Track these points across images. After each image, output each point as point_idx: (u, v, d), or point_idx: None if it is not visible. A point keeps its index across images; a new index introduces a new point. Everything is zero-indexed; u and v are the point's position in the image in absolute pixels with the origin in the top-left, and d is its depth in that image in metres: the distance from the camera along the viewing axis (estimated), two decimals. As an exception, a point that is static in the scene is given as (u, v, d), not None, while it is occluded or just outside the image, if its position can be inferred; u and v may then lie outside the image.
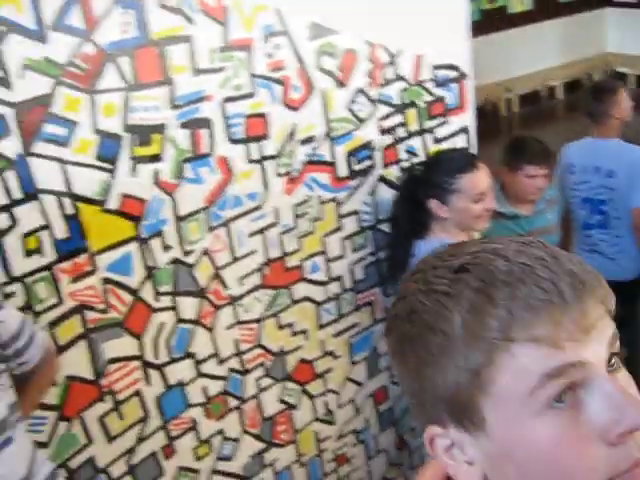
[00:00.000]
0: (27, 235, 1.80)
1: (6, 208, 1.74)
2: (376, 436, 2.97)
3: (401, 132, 2.58)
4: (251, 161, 2.21)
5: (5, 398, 1.59)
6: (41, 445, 1.91)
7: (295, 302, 2.49)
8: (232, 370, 2.40)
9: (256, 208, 2.27)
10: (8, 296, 1.78)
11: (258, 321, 2.41)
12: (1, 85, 1.68)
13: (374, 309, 2.74)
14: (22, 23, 1.69)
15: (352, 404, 2.85)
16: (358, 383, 2.83)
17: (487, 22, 8.28)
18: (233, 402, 2.45)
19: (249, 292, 2.35)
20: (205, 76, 2.04)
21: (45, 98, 1.76)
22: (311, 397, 2.69)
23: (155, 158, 2.00)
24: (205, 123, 2.08)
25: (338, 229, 2.53)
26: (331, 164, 2.43)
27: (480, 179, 2.36)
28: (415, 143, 2.63)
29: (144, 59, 1.91)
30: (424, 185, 2.42)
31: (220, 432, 2.45)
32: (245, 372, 2.44)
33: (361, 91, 2.42)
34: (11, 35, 1.68)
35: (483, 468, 0.71)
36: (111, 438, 2.13)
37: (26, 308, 1.82)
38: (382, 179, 2.58)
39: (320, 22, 2.26)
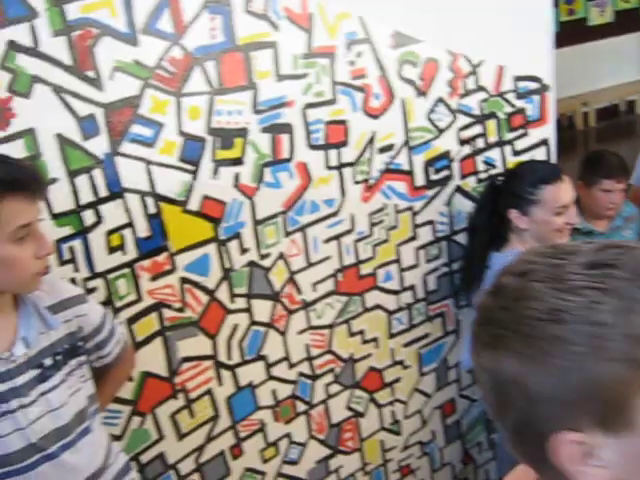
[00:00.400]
0: (111, 232, 1.84)
1: (92, 205, 1.79)
2: (442, 449, 2.94)
3: (480, 143, 2.55)
4: (329, 167, 2.22)
5: (85, 389, 1.63)
6: (115, 438, 1.95)
7: (367, 310, 2.49)
8: (302, 374, 2.41)
9: (332, 214, 2.28)
10: (90, 291, 1.82)
11: (329, 327, 2.42)
12: (93, 86, 1.73)
13: (445, 320, 2.72)
14: (115, 26, 1.74)
15: (419, 415, 2.83)
16: (426, 394, 2.81)
17: (566, 34, 8.10)
18: (301, 406, 2.46)
19: (322, 298, 2.36)
20: (288, 82, 2.06)
21: (133, 99, 1.80)
22: (378, 406, 2.68)
23: (236, 161, 2.02)
24: (286, 128, 2.09)
25: (413, 238, 2.52)
26: (408, 173, 2.42)
27: (563, 191, 2.32)
28: (494, 155, 2.60)
29: (229, 64, 1.94)
30: (505, 195, 2.39)
31: (287, 435, 2.46)
32: (315, 377, 2.45)
33: (441, 101, 2.41)
34: (104, 38, 1.73)
35: (617, 472, 0.70)
36: (181, 435, 2.17)
37: (106, 303, 1.86)
38: (459, 190, 2.56)
39: (403, 31, 2.26)
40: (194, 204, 1.97)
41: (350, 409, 2.61)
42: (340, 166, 2.25)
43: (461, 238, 2.61)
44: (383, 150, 2.33)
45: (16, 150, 1.60)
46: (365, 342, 2.53)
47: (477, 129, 2.53)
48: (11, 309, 1.51)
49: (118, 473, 1.72)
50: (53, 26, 1.64)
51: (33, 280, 1.44)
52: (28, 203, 1.36)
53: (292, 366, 2.37)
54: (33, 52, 1.63)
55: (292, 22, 2.03)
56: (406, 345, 2.66)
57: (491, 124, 2.57)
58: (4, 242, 1.34)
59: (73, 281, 1.77)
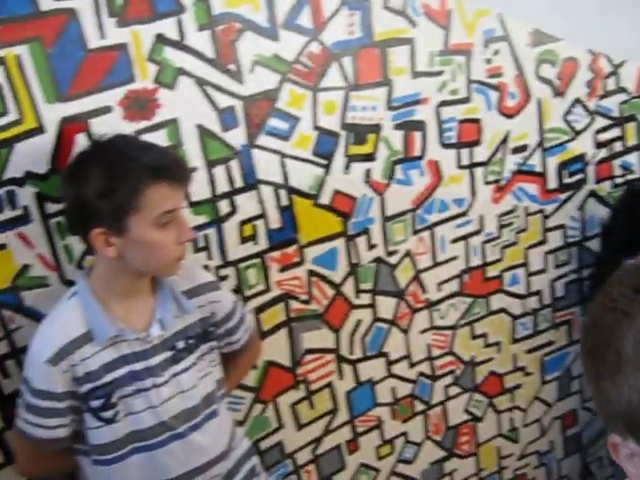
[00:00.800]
0: (244, 222, 1.88)
1: (228, 195, 1.83)
2: (560, 461, 2.86)
3: (618, 146, 2.46)
4: (461, 166, 2.20)
5: (214, 373, 1.67)
6: (237, 423, 1.99)
7: (491, 313, 2.45)
8: (422, 374, 2.39)
9: (461, 214, 2.25)
10: (222, 279, 1.87)
11: (452, 328, 2.39)
12: (234, 79, 1.77)
13: (571, 329, 2.64)
14: (257, 21, 1.78)
15: (538, 424, 2.76)
16: (547, 403, 2.74)
17: None
18: (419, 406, 2.44)
19: (446, 298, 2.34)
20: (423, 79, 2.05)
21: (272, 93, 1.83)
22: (497, 411, 2.63)
23: (368, 157, 2.03)
24: (419, 126, 2.08)
25: (542, 242, 2.46)
26: (541, 175, 2.36)
27: None
28: (632, 159, 2.50)
29: (366, 60, 1.95)
30: None
31: (404, 434, 2.45)
32: (434, 378, 2.43)
33: (579, 101, 2.34)
34: (246, 32, 1.77)
35: None
36: (300, 426, 2.19)
37: (236, 292, 1.90)
38: (593, 194, 2.48)
39: (542, 29, 2.20)
40: (325, 198, 1.99)
41: (468, 412, 2.57)
42: (471, 165, 2.22)
43: (593, 244, 2.53)
44: (516, 151, 2.28)
45: (159, 139, 1.66)
46: (487, 346, 2.49)
47: (615, 132, 2.45)
48: (150, 292, 1.57)
49: (241, 457, 1.76)
50: (198, 20, 1.69)
51: (173, 264, 1.48)
52: (172, 190, 1.41)
53: (413, 365, 2.36)
54: (179, 45, 1.68)
55: (430, 18, 2.02)
56: (529, 351, 2.60)
57: (630, 127, 2.47)
58: (149, 226, 1.39)
59: (206, 268, 1.81)
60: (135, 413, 1.53)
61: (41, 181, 1.56)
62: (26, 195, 1.55)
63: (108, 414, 1.50)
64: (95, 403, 1.49)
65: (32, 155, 1.54)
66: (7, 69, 1.47)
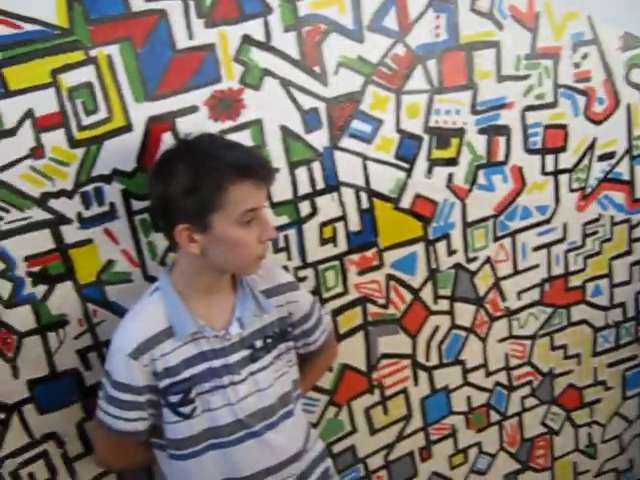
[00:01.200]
0: (324, 224, 1.88)
1: (309, 196, 1.83)
2: (640, 480, 2.78)
3: None
4: (545, 173, 2.15)
5: (291, 374, 1.67)
6: (311, 425, 1.98)
7: (572, 324, 2.39)
8: (498, 384, 2.35)
9: (544, 222, 2.21)
10: (300, 280, 1.87)
11: (531, 338, 2.34)
12: (318, 81, 1.77)
13: (656, 343, 2.55)
14: (342, 23, 1.77)
15: (617, 441, 2.69)
16: (627, 420, 2.66)
17: None
18: (495, 416, 2.40)
19: (526, 307, 2.29)
20: (509, 83, 2.01)
21: (355, 95, 1.83)
22: (575, 426, 2.57)
23: (451, 161, 2.00)
24: (503, 130, 2.05)
25: (628, 253, 2.39)
26: (628, 183, 2.29)
27: None
28: None
29: (451, 63, 1.92)
30: None
31: (477, 444, 2.41)
32: (511, 388, 2.38)
33: (671, 108, 2.26)
34: (332, 34, 1.76)
35: None
36: (374, 430, 2.18)
37: (314, 293, 1.90)
38: (683, 205, 2.39)
39: (634, 32, 2.14)
40: (406, 202, 1.97)
41: (545, 425, 2.52)
42: (556, 172, 2.17)
43: (683, 257, 2.44)
44: (603, 158, 2.22)
45: (243, 139, 1.67)
46: (567, 357, 2.43)
47: None
48: (230, 290, 1.58)
49: (315, 459, 1.75)
50: (285, 22, 1.70)
51: (254, 263, 1.49)
52: (256, 189, 1.42)
53: (489, 374, 2.32)
54: (265, 46, 1.69)
55: (517, 21, 1.98)
56: (610, 365, 2.53)
57: None
58: (232, 224, 1.40)
59: (285, 269, 1.82)
60: (212, 410, 1.54)
61: (127, 178, 1.59)
62: (113, 192, 1.58)
63: (186, 410, 1.52)
64: (173, 398, 1.51)
65: (120, 153, 1.57)
66: (98, 68, 1.50)
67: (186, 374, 1.50)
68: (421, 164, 1.96)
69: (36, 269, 1.55)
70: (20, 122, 1.45)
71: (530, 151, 2.11)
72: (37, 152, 1.48)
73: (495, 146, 2.05)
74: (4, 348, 1.56)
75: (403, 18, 1.84)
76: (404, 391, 2.18)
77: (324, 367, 1.93)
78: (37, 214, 1.52)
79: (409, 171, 1.95)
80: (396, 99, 1.88)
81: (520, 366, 2.37)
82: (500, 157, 2.07)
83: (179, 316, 1.49)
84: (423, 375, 2.19)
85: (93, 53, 1.49)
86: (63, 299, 1.60)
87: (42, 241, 1.54)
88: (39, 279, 1.56)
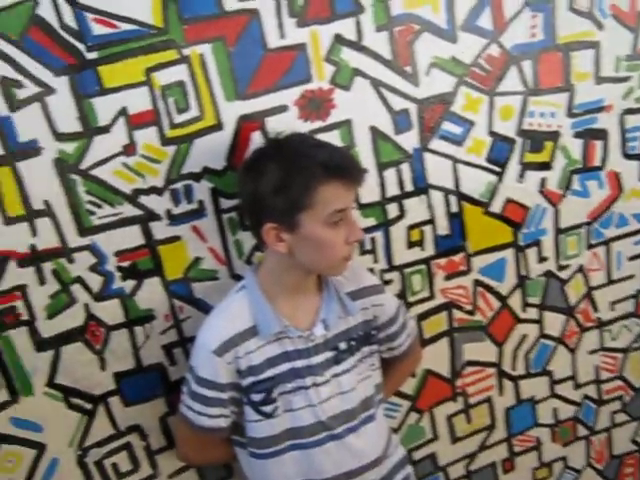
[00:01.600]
0: (412, 227, 1.85)
1: (397, 199, 1.81)
2: None
3: None
4: (644, 179, 2.07)
5: (374, 377, 1.65)
6: (392, 431, 1.96)
7: (667, 338, 2.29)
8: (587, 397, 2.28)
9: (641, 230, 2.13)
10: (386, 283, 1.85)
11: (624, 351, 2.26)
12: (409, 81, 1.74)
13: None
14: (436, 22, 1.74)
15: None
16: None
17: None
18: (582, 431, 2.33)
19: (619, 319, 2.22)
20: (607, 85, 1.95)
21: (447, 96, 1.79)
22: (668, 444, 2.46)
23: (544, 166, 1.95)
24: (600, 134, 1.98)
25: None
26: None
27: None
28: None
29: (547, 64, 1.87)
30: None
31: (563, 459, 2.34)
32: (601, 402, 2.31)
33: None
34: (424, 34, 1.73)
35: None
36: (455, 439, 2.14)
37: (400, 297, 1.87)
38: None
39: None
40: (496, 206, 1.92)
41: (635, 443, 2.42)
42: (656, 179, 2.08)
43: None
44: None
45: (332, 139, 1.66)
46: (662, 373, 2.34)
47: None
48: (315, 291, 1.57)
49: (396, 465, 1.72)
50: (377, 21, 1.68)
51: (341, 264, 1.48)
52: (345, 189, 1.40)
53: (578, 387, 2.25)
54: (357, 46, 1.67)
55: (618, 21, 1.91)
56: None
57: None
58: (320, 224, 1.39)
59: (371, 271, 1.80)
60: (294, 410, 1.53)
61: (217, 177, 1.60)
62: (202, 190, 1.60)
63: (268, 409, 1.52)
64: (256, 397, 1.51)
65: (210, 151, 1.58)
66: (191, 67, 1.52)
67: (269, 373, 1.50)
68: (513, 168, 1.91)
69: (126, 264, 1.58)
70: (114, 119, 1.48)
71: (628, 156, 2.03)
72: (129, 149, 1.51)
73: (591, 150, 1.98)
74: (93, 340, 1.60)
75: (498, 17, 1.79)
76: (488, 400, 2.13)
77: (407, 372, 1.90)
78: (128, 210, 1.54)
79: (500, 175, 1.90)
80: (489, 101, 1.83)
81: (611, 380, 2.29)
82: (596, 162, 2.01)
83: (264, 315, 1.48)
84: (508, 384, 2.14)
85: (186, 52, 1.51)
86: (151, 294, 1.62)
87: (132, 237, 1.57)
88: (128, 274, 1.59)
